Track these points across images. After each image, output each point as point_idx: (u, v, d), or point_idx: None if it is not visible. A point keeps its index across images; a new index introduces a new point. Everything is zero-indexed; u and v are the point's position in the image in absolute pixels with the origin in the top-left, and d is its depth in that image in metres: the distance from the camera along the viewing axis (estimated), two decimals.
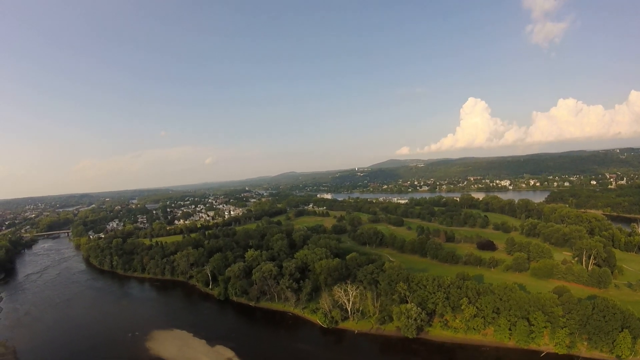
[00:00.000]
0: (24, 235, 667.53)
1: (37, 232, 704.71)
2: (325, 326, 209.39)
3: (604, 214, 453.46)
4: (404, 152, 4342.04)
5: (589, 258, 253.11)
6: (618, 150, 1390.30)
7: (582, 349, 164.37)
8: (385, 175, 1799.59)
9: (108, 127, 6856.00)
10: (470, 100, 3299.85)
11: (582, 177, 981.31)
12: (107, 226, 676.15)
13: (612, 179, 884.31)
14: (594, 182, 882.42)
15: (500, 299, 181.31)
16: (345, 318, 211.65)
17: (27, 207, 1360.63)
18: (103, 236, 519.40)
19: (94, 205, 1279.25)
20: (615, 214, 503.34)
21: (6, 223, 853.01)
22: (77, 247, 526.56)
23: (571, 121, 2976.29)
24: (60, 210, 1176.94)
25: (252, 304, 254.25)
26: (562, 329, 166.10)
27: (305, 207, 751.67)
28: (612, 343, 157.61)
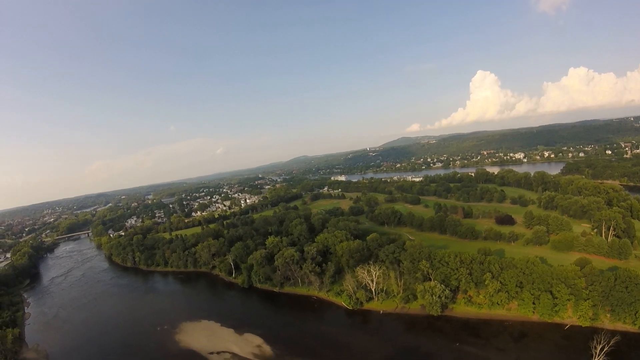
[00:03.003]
0: (45, 239, 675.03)
1: (57, 236, 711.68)
2: (351, 308, 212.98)
3: (621, 184, 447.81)
4: (414, 129, 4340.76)
5: (609, 229, 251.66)
6: (632, 118, 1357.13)
7: (605, 321, 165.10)
8: (398, 153, 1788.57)
9: (118, 127, 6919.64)
10: (479, 73, 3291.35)
11: (596, 147, 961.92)
12: (126, 223, 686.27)
13: (627, 148, 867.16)
14: (609, 152, 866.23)
15: (523, 273, 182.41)
16: (370, 299, 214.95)
17: (45, 212, 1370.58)
18: (123, 234, 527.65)
19: (110, 204, 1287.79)
20: (632, 184, 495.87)
21: (26, 229, 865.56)
22: (99, 246, 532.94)
23: (583, 90, 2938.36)
24: (78, 211, 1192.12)
25: (276, 289, 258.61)
26: (585, 301, 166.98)
27: (321, 191, 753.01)
28: (635, 314, 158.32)
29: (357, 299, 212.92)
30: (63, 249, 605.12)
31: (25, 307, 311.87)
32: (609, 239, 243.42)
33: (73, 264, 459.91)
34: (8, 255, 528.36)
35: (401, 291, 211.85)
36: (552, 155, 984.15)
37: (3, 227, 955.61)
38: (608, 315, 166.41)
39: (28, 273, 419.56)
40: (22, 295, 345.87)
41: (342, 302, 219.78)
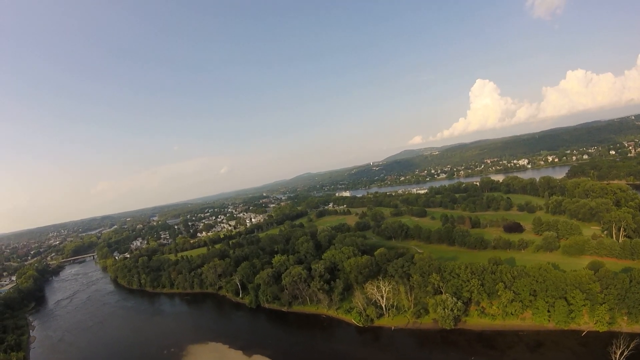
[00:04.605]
0: (50, 262, 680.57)
1: (62, 259, 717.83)
2: (361, 325, 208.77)
3: (627, 184, 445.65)
4: (416, 141, 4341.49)
5: (619, 230, 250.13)
6: (633, 117, 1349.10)
7: (623, 324, 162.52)
8: (401, 166, 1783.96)
9: (122, 147, 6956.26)
10: (478, 82, 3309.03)
11: (600, 148, 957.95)
12: (131, 245, 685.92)
13: (630, 147, 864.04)
14: (613, 152, 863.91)
15: (536, 281, 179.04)
16: (381, 315, 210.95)
17: (50, 234, 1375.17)
18: (128, 256, 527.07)
19: (116, 226, 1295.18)
20: (638, 182, 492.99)
21: (31, 252, 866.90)
22: (104, 269, 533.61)
23: (582, 92, 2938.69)
24: (84, 234, 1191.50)
25: (284, 309, 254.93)
26: (601, 305, 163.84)
27: (326, 207, 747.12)
28: None
29: (368, 315, 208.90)
30: (68, 271, 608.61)
31: (31, 331, 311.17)
32: (620, 239, 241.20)
33: (78, 287, 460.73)
34: (13, 278, 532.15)
35: (412, 306, 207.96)
36: (556, 160, 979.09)
37: (8, 250, 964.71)
38: (625, 318, 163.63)
39: (33, 296, 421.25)
40: (27, 319, 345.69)
41: (352, 319, 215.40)
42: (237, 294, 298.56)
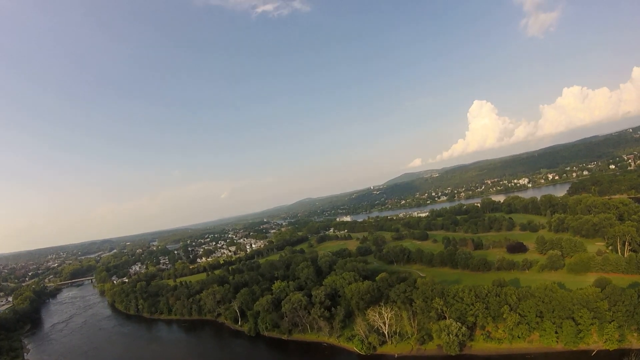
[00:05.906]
0: (48, 284, 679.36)
1: (60, 281, 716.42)
2: (363, 353, 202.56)
3: (629, 197, 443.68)
4: (416, 164, 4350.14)
5: (624, 245, 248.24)
6: (631, 130, 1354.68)
7: (633, 341, 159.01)
8: (402, 189, 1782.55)
9: (123, 172, 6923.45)
10: (476, 103, 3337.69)
11: (599, 163, 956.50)
12: (130, 270, 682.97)
13: (630, 160, 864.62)
14: (613, 166, 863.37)
15: (542, 302, 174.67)
16: (383, 342, 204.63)
17: (49, 256, 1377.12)
18: (127, 280, 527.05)
19: (115, 250, 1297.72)
20: None
21: (29, 274, 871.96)
22: (102, 293, 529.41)
23: (579, 108, 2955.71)
24: (83, 257, 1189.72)
25: (284, 337, 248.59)
26: (610, 323, 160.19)
27: (327, 232, 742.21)
28: None
29: (370, 343, 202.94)
30: (66, 294, 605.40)
31: (25, 354, 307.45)
32: (626, 254, 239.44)
33: (75, 311, 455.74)
34: (10, 298, 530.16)
35: (415, 332, 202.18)
36: (557, 177, 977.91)
37: (6, 271, 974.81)
38: (635, 334, 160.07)
39: (29, 318, 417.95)
40: (22, 341, 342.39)
41: (354, 347, 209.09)
42: (236, 321, 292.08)
